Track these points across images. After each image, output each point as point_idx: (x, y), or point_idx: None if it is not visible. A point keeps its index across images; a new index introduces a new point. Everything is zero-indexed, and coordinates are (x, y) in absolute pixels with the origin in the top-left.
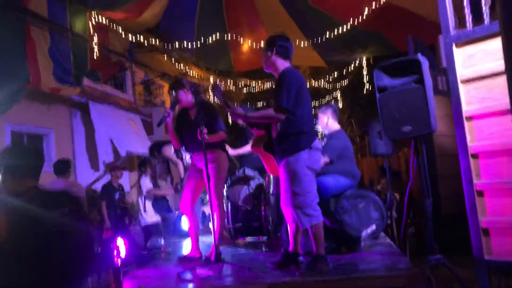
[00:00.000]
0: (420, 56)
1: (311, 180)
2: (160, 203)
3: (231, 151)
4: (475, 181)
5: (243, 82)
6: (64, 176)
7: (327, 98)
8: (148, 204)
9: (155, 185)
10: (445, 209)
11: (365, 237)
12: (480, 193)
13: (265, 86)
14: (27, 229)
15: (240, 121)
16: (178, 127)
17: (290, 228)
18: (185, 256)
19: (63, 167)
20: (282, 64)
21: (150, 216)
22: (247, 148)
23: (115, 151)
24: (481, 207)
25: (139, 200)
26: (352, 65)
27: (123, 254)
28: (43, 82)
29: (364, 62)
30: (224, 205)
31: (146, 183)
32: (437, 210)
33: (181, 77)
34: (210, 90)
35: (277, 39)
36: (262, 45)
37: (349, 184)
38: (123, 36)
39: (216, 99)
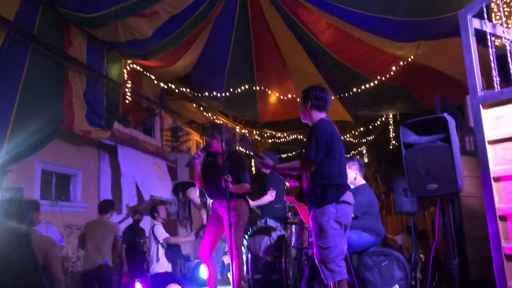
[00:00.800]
0: (446, 116)
1: (337, 235)
2: (174, 250)
3: (251, 203)
4: (503, 244)
5: (268, 132)
6: (105, 215)
7: (353, 152)
8: (161, 252)
9: (170, 233)
10: (475, 274)
11: None
12: (509, 257)
13: (290, 137)
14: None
15: (266, 170)
16: (203, 170)
17: None
18: None
19: (107, 206)
20: (317, 116)
21: (161, 264)
22: (265, 199)
23: (139, 195)
24: (511, 272)
25: (153, 247)
26: (379, 121)
27: None
28: (76, 124)
29: (391, 118)
30: (244, 255)
31: (161, 230)
32: (465, 275)
33: (220, 124)
34: (238, 142)
35: (312, 91)
36: (289, 97)
37: (373, 241)
38: (155, 83)
39: (245, 150)
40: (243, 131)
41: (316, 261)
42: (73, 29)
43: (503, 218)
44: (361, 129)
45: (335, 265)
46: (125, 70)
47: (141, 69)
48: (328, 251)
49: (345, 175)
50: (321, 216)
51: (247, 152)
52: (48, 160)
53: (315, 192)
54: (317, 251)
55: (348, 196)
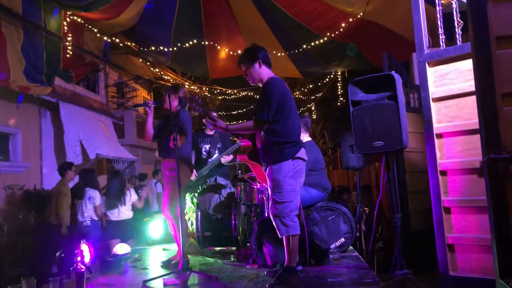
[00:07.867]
0: (394, 74)
1: (293, 190)
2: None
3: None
4: (443, 197)
5: (218, 89)
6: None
7: (302, 109)
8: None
9: None
10: (414, 225)
11: (334, 249)
12: (448, 210)
13: (240, 94)
14: None
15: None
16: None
17: None
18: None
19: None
20: (268, 74)
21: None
22: (227, 159)
23: (84, 153)
24: (448, 223)
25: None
26: (327, 78)
27: (87, 259)
28: (12, 80)
29: (339, 75)
30: (194, 213)
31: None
32: (406, 226)
33: (180, 85)
34: (188, 103)
35: (259, 50)
36: (239, 53)
37: (320, 196)
38: (98, 36)
39: (194, 111)
40: (192, 87)
41: (271, 215)
42: None
43: (444, 173)
44: (310, 86)
45: (290, 219)
46: (64, 23)
47: (83, 22)
48: (283, 205)
49: (299, 132)
50: (278, 173)
51: (198, 113)
52: None
53: (271, 150)
54: (273, 205)
55: (302, 153)
